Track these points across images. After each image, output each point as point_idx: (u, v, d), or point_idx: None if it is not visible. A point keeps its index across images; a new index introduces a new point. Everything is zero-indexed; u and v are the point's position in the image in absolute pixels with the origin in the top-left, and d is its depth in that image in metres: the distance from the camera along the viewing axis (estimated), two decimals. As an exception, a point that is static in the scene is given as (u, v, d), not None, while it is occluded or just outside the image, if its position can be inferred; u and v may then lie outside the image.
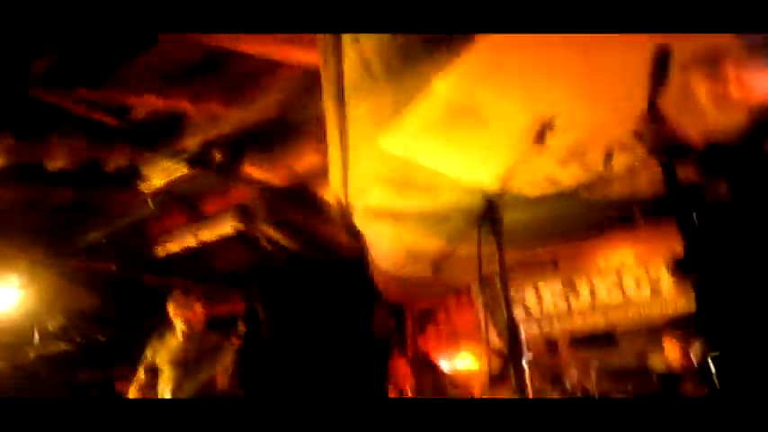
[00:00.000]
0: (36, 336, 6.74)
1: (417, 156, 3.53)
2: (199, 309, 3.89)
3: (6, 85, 3.43)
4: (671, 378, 3.85)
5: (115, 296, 6.34)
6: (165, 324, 3.94)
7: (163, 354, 3.80)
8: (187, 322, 3.82)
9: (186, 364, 3.70)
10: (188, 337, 3.81)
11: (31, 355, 7.51)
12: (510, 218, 3.56)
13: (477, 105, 3.16)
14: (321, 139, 4.23)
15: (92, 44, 3.35)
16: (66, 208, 5.32)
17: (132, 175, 4.71)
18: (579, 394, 3.98)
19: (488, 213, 1.93)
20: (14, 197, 5.16)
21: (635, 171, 3.48)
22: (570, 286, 5.18)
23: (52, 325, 6.92)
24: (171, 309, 3.88)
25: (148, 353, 3.86)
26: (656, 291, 4.83)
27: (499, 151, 3.31)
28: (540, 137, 2.14)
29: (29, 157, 4.54)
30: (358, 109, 3.27)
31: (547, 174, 3.54)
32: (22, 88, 3.50)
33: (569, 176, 3.61)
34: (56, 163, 4.68)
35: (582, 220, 4.36)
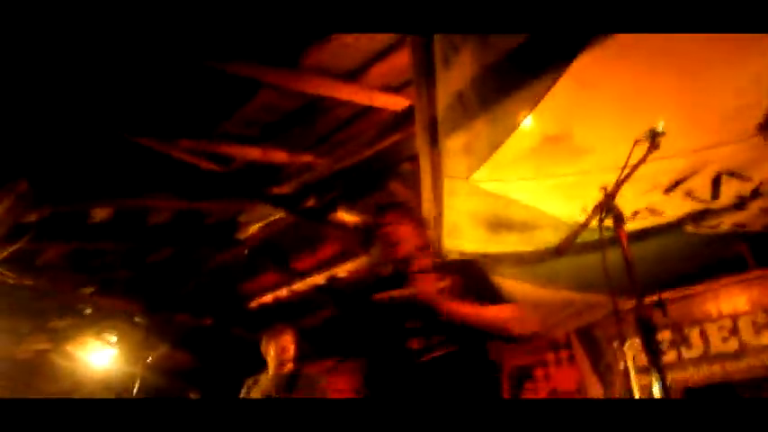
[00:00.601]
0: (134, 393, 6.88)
1: (511, 191, 3.47)
2: (289, 341, 3.97)
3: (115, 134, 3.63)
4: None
5: (208, 352, 6.44)
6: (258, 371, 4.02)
7: (255, 391, 3.88)
8: (278, 356, 3.91)
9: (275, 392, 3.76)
10: (278, 372, 3.88)
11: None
12: (611, 258, 3.43)
13: (574, 135, 3.10)
14: (414, 185, 4.30)
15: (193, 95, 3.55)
16: (166, 263, 5.53)
17: (232, 228, 4.88)
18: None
19: (607, 205, 1.83)
20: (117, 251, 5.41)
21: (745, 200, 3.29)
22: (680, 334, 4.87)
23: (148, 382, 7.07)
24: (264, 342, 4.03)
25: (243, 391, 3.96)
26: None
27: (598, 182, 3.22)
28: (651, 146, 2.03)
29: (133, 209, 4.79)
30: (451, 144, 3.28)
31: (648, 203, 3.39)
32: (128, 137, 3.70)
33: (673, 207, 3.44)
34: (158, 217, 4.91)
35: (688, 261, 4.12)
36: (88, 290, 6.05)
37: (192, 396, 6.86)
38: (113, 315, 6.43)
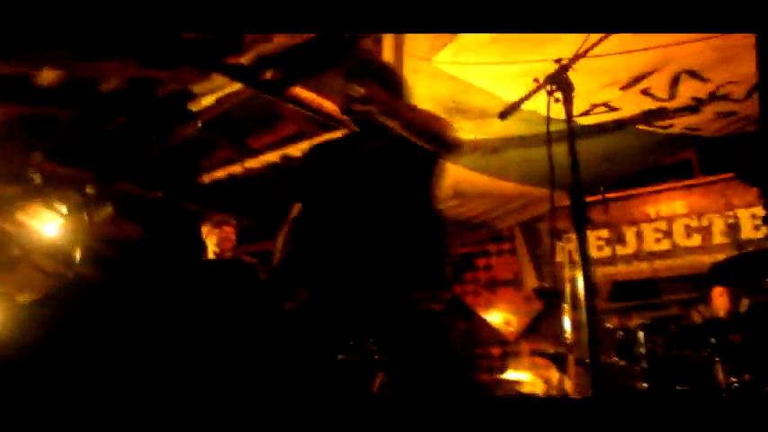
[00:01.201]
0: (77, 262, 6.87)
1: (472, 76, 3.45)
2: (230, 231, 4.04)
3: None
4: (715, 325, 3.75)
5: (156, 225, 6.42)
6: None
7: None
8: (218, 243, 3.98)
9: None
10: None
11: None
12: (560, 151, 3.48)
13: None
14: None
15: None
16: (117, 131, 5.39)
17: (185, 99, 4.74)
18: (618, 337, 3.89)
19: (558, 78, 1.83)
20: (67, 117, 5.25)
21: (701, 102, 3.36)
22: (616, 232, 5.09)
23: (95, 252, 7.05)
24: (204, 230, 4.09)
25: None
26: (706, 239, 4.72)
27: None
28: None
29: (84, 75, 4.61)
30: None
31: (606, 99, 3.44)
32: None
33: (629, 103, 3.50)
34: (110, 84, 4.74)
35: (636, 162, 4.24)
36: (37, 157, 5.88)
37: (137, 268, 6.88)
38: (63, 185, 6.29)
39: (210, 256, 4.02)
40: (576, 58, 1.89)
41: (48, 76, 4.54)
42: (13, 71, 4.41)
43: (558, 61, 1.89)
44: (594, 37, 2.04)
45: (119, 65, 4.46)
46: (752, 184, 2.47)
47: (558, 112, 3.51)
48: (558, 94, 1.85)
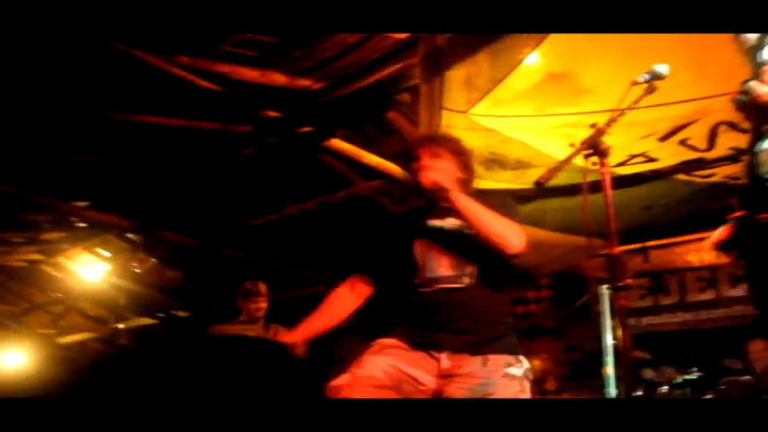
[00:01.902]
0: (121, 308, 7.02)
1: (509, 128, 3.47)
2: (261, 300, 3.95)
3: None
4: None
5: (197, 273, 6.53)
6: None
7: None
8: (250, 313, 3.91)
9: None
10: (247, 325, 3.89)
11: (118, 327, 7.84)
12: (596, 201, 3.45)
13: (576, 75, 3.10)
14: (411, 116, 4.29)
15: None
16: (159, 181, 5.53)
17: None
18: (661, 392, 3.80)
19: (594, 141, 1.84)
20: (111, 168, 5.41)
21: (740, 152, 3.31)
22: (659, 281, 4.99)
23: (137, 300, 7.18)
24: (238, 297, 3.99)
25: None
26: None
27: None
28: (649, 87, 2.01)
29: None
30: (453, 76, 3.26)
31: (644, 149, 3.42)
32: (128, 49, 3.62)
33: (668, 154, 3.47)
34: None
35: (676, 210, 4.18)
36: (82, 204, 6.06)
37: (180, 314, 6.99)
38: (106, 230, 6.46)
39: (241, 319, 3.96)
40: (611, 122, 1.89)
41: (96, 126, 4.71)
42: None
43: (593, 126, 1.88)
44: (631, 96, 2.03)
45: (162, 117, 4.61)
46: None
47: (590, 162, 3.52)
48: (595, 158, 1.85)
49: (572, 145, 1.89)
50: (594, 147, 1.84)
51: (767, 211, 1.67)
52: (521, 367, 2.03)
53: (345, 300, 2.30)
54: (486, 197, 2.16)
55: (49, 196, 5.68)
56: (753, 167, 1.81)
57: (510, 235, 2.06)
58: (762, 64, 1.74)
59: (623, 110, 1.97)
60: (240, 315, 3.96)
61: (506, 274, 2.19)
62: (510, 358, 2.02)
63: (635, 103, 1.98)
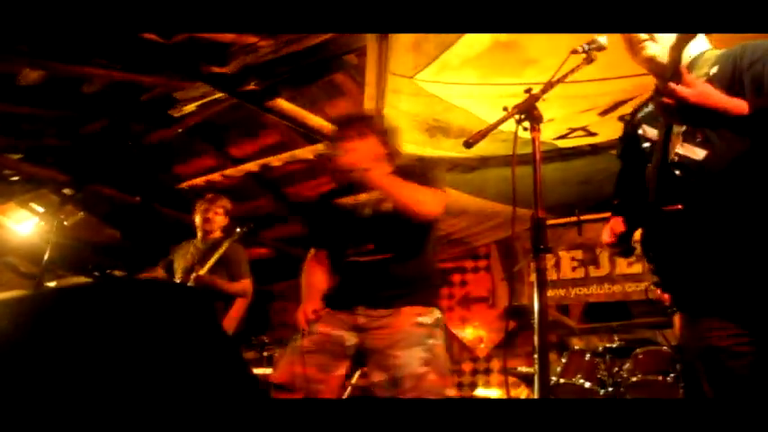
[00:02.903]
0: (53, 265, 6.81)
1: (453, 95, 3.50)
2: (223, 210, 4.00)
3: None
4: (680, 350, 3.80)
5: (134, 230, 6.39)
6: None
7: (179, 253, 3.96)
8: (208, 221, 3.92)
9: (193, 261, 3.82)
10: (204, 239, 3.93)
11: (50, 284, 7.61)
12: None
13: (523, 45, 3.13)
14: (359, 78, 4.26)
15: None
16: (98, 135, 5.38)
17: (167, 105, 4.74)
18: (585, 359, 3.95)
19: (527, 108, 1.86)
20: (48, 118, 5.22)
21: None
22: (591, 255, 5.16)
23: (71, 256, 6.99)
24: (196, 208, 4.04)
25: (170, 255, 4.03)
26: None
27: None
28: (587, 57, 2.04)
29: (67, 75, 4.59)
30: (400, 40, 3.26)
31: (584, 123, 3.50)
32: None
33: (607, 129, 3.56)
34: (92, 86, 4.73)
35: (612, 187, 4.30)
36: (16, 156, 5.83)
37: (116, 273, 6.84)
38: (41, 185, 6.24)
39: (198, 234, 3.99)
40: (546, 88, 1.92)
41: (30, 75, 4.52)
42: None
43: (528, 91, 1.91)
44: (569, 65, 2.07)
45: (102, 67, 4.46)
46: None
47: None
48: (527, 123, 1.88)
49: (505, 108, 1.89)
50: (527, 112, 1.87)
51: (675, 202, 1.71)
52: (432, 317, 2.30)
53: (319, 272, 2.55)
54: (410, 167, 2.46)
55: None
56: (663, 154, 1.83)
57: (426, 201, 2.31)
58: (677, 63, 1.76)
59: (561, 79, 2.00)
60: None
61: (425, 238, 2.43)
62: (421, 309, 2.30)
63: (572, 71, 2.01)
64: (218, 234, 3.95)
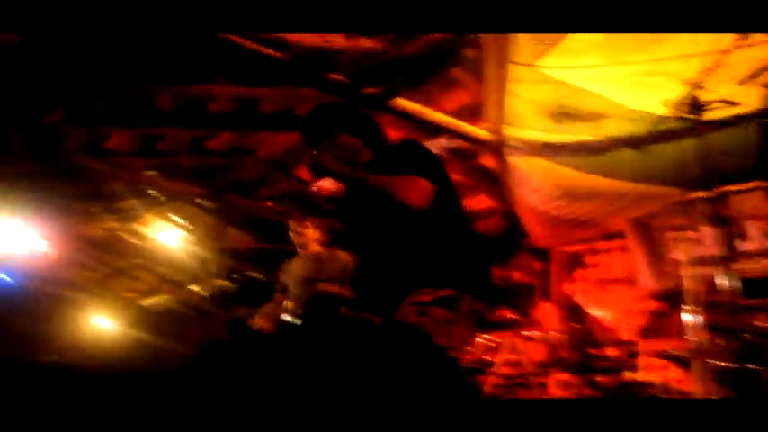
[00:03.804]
0: (200, 273, 7.26)
1: (579, 79, 3.38)
2: (310, 230, 4.29)
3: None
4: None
5: (269, 236, 6.67)
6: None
7: (288, 273, 4.23)
8: (302, 243, 4.28)
9: (305, 279, 4.02)
10: (305, 255, 4.23)
11: (195, 291, 8.13)
12: (673, 148, 3.33)
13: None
14: (476, 71, 4.21)
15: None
16: (225, 149, 5.66)
17: (287, 117, 4.91)
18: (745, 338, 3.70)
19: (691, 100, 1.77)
20: (180, 138, 5.56)
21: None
22: (738, 227, 4.82)
23: (213, 264, 7.41)
24: (290, 232, 4.39)
25: (280, 276, 4.30)
26: None
27: (672, 71, 3.11)
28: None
29: (195, 97, 4.86)
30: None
31: (725, 94, 3.27)
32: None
33: (750, 97, 3.31)
34: (217, 105, 4.98)
35: (759, 155, 4.00)
36: (153, 173, 6.25)
37: (255, 276, 7.19)
38: (178, 198, 6.66)
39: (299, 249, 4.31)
40: (707, 74, 1.81)
41: (163, 98, 4.82)
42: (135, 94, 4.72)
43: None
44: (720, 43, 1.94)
45: (225, 86, 4.69)
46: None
47: (670, 110, 3.39)
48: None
49: (664, 103, 1.81)
50: (692, 101, 1.78)
51: None
52: None
53: None
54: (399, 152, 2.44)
55: (123, 167, 5.89)
56: None
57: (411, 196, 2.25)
58: None
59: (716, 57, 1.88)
60: None
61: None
62: None
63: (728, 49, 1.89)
64: (316, 247, 4.25)
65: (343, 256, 4.06)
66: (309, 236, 4.29)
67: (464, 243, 2.35)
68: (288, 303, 4.03)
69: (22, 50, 3.79)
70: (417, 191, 2.22)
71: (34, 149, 5.03)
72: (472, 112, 4.55)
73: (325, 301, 3.83)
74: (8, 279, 8.35)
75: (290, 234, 4.36)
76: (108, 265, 8.72)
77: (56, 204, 6.90)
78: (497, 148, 4.20)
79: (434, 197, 2.25)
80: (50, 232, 7.33)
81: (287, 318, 3.90)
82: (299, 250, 4.30)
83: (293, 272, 4.19)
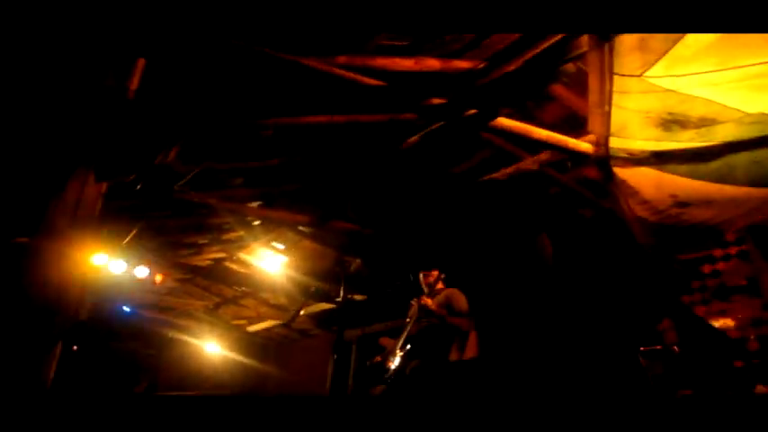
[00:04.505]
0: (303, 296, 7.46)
1: (689, 86, 3.28)
2: (433, 277, 4.83)
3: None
4: None
5: (370, 259, 6.78)
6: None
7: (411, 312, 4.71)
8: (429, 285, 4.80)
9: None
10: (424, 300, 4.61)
11: (301, 313, 8.37)
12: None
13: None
14: (576, 84, 4.16)
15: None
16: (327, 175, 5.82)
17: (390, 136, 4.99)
18: None
19: None
20: (282, 166, 5.77)
21: None
22: None
23: (314, 286, 7.59)
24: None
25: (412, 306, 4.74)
26: None
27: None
28: None
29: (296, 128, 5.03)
30: (624, 40, 3.14)
31: None
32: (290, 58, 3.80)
33: None
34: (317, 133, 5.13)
35: None
36: (256, 203, 6.49)
37: (357, 297, 7.31)
38: (280, 226, 6.88)
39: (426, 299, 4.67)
40: None
41: (267, 130, 5.02)
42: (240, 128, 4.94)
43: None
44: None
45: (327, 116, 4.83)
46: None
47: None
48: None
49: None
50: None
51: None
52: None
53: None
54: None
55: (228, 200, 6.16)
56: None
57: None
58: None
59: None
60: None
61: None
62: None
63: None
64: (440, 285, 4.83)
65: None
66: (431, 281, 4.84)
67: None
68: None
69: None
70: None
71: (148, 186, 5.33)
72: (570, 126, 4.49)
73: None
74: (128, 310, 8.88)
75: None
76: (217, 293, 9.11)
77: (168, 238, 7.29)
78: (603, 160, 4.11)
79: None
80: (164, 264, 7.73)
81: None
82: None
83: (411, 314, 4.65)
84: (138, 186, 5.15)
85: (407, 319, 4.71)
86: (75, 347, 6.73)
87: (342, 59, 4.05)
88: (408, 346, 4.40)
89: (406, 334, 4.53)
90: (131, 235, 6.61)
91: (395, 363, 4.31)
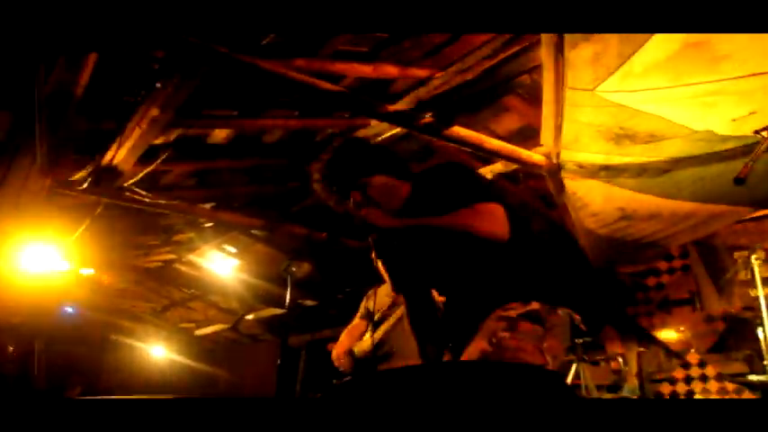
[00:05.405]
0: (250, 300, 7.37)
1: (640, 101, 3.35)
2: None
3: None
4: None
5: (322, 264, 6.73)
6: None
7: (370, 303, 4.16)
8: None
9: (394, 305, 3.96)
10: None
11: (249, 318, 8.25)
12: (737, 168, 3.27)
13: (709, 42, 2.94)
14: (530, 96, 4.22)
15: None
16: (280, 178, 5.76)
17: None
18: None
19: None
20: (234, 169, 5.68)
21: None
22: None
23: (265, 290, 7.51)
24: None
25: (363, 303, 4.21)
26: None
27: (736, 89, 3.07)
28: None
29: (250, 130, 4.97)
30: (578, 55, 3.19)
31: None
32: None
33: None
34: (273, 135, 5.08)
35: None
36: (208, 205, 6.37)
37: (307, 303, 7.26)
38: (232, 228, 6.77)
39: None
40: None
41: (218, 134, 4.94)
42: (189, 133, 4.83)
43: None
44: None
45: (281, 118, 4.78)
46: None
47: (735, 129, 3.34)
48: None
49: (733, 120, 1.79)
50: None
51: None
52: None
53: None
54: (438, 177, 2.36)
55: (180, 200, 6.03)
56: None
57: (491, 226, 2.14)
58: None
59: None
60: None
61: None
62: None
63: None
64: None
65: None
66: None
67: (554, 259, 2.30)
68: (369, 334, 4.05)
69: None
70: (494, 219, 2.13)
71: (96, 184, 5.18)
72: (523, 137, 4.56)
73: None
74: (70, 310, 8.62)
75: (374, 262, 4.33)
76: (165, 295, 8.93)
77: (116, 238, 7.10)
78: (554, 172, 4.18)
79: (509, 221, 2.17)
80: (111, 265, 7.53)
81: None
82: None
83: (380, 298, 4.15)
84: (86, 184, 4.99)
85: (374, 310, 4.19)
86: (10, 348, 6.49)
87: (299, 62, 4.01)
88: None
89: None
90: (77, 233, 6.41)
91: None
